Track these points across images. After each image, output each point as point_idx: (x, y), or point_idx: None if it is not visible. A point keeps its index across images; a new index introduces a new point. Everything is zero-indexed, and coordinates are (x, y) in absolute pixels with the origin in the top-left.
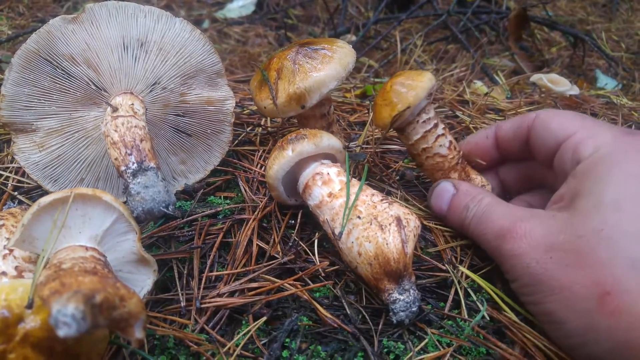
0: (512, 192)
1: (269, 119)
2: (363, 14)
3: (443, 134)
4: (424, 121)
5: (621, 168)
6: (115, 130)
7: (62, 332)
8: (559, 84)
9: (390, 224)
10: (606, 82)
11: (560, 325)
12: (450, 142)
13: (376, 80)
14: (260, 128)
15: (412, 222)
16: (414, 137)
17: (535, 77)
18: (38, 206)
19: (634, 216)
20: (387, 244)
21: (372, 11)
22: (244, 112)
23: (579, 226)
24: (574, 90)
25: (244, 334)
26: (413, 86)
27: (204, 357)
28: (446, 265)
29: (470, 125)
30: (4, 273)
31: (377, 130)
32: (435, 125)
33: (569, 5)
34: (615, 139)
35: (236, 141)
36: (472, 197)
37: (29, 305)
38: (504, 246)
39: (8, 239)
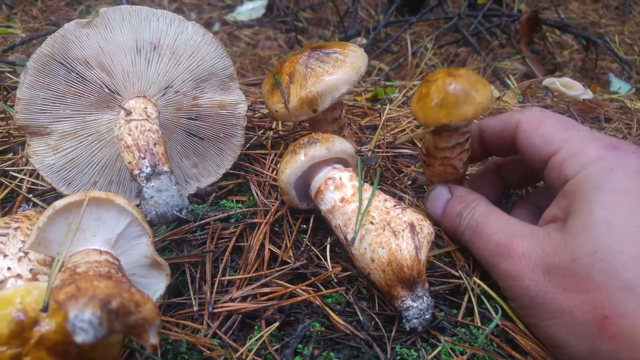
0: (515, 188)
1: (280, 122)
2: (373, 17)
3: (468, 149)
4: (462, 133)
5: (608, 187)
6: (129, 134)
7: (79, 338)
8: (572, 88)
9: (403, 230)
10: (619, 86)
11: (563, 350)
12: (468, 157)
13: (387, 83)
14: (272, 131)
15: (426, 229)
16: (443, 144)
17: (548, 81)
18: (53, 209)
19: (626, 235)
20: (400, 250)
21: (383, 14)
22: (255, 115)
23: (573, 248)
24: (588, 95)
25: (257, 340)
26: (477, 100)
27: None
28: (459, 271)
29: None
30: (19, 276)
31: (390, 134)
32: (467, 140)
33: (580, 8)
34: (600, 156)
35: (248, 145)
36: (466, 204)
37: (44, 309)
38: (501, 266)
39: (23, 241)
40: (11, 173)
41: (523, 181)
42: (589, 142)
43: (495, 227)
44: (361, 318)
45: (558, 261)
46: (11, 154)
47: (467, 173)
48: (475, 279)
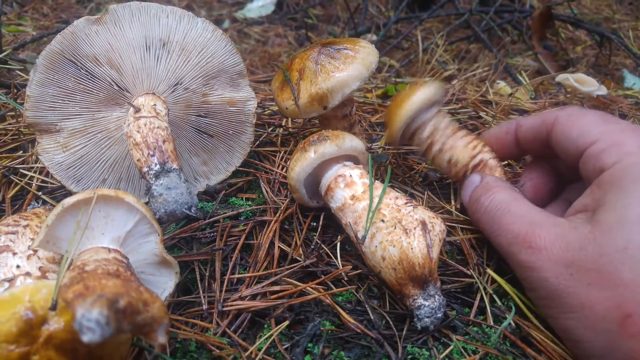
0: (567, 178)
1: (290, 119)
2: (383, 13)
3: (440, 151)
4: (418, 142)
5: None
6: (138, 131)
7: (86, 338)
8: (586, 84)
9: (415, 228)
10: (634, 82)
11: (579, 344)
12: (449, 160)
13: (397, 80)
14: (282, 129)
15: (438, 226)
16: (418, 151)
17: (562, 77)
18: (62, 207)
19: None
20: (411, 248)
21: (393, 10)
22: (265, 112)
23: (602, 243)
24: (602, 91)
25: (266, 338)
26: (394, 116)
27: None
28: (471, 270)
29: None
30: (28, 274)
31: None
32: (430, 145)
33: (594, 3)
34: None
35: (257, 142)
36: (487, 189)
37: (53, 307)
38: (520, 256)
39: (32, 239)
40: (21, 171)
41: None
42: (630, 133)
43: (516, 216)
44: (372, 317)
45: (584, 255)
46: (21, 151)
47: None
48: (490, 271)
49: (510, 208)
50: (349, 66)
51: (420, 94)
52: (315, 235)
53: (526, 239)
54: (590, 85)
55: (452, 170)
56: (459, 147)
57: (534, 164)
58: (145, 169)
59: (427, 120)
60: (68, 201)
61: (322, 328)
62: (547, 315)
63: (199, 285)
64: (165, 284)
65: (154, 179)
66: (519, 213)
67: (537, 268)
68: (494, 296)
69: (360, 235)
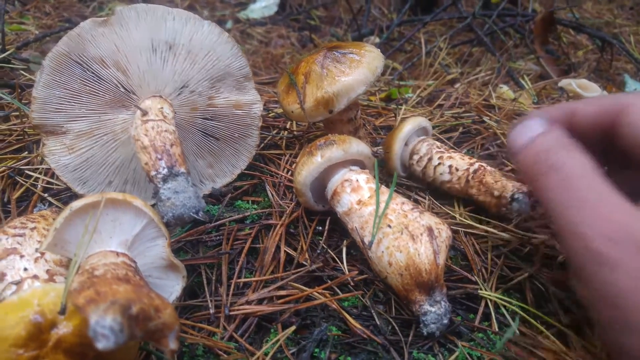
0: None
1: (295, 122)
2: (386, 16)
3: (439, 163)
4: (417, 161)
5: None
6: (146, 135)
7: (101, 345)
8: (589, 89)
9: (421, 234)
10: (635, 87)
11: None
12: (450, 166)
13: (400, 83)
14: (286, 131)
15: (444, 233)
16: (418, 175)
17: (564, 82)
18: (70, 210)
19: None
20: (418, 254)
21: (396, 13)
22: (270, 115)
23: None
24: None
25: (273, 343)
26: (391, 140)
27: None
28: (475, 277)
29: (498, 131)
30: (35, 276)
31: None
32: (430, 160)
33: (595, 8)
34: None
35: (262, 145)
36: (563, 146)
37: (62, 311)
38: (602, 272)
39: (39, 241)
40: (26, 172)
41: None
42: None
43: (614, 201)
44: (378, 322)
45: None
46: (26, 152)
47: None
48: (490, 292)
49: (600, 189)
50: (354, 70)
51: (412, 120)
52: (321, 240)
53: (631, 230)
54: (592, 90)
55: (453, 177)
56: (456, 157)
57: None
58: (153, 173)
59: (421, 140)
60: (76, 204)
61: (328, 333)
62: (613, 343)
63: (206, 289)
64: (172, 287)
65: (161, 182)
66: (616, 196)
67: (627, 291)
68: (499, 302)
69: (366, 240)
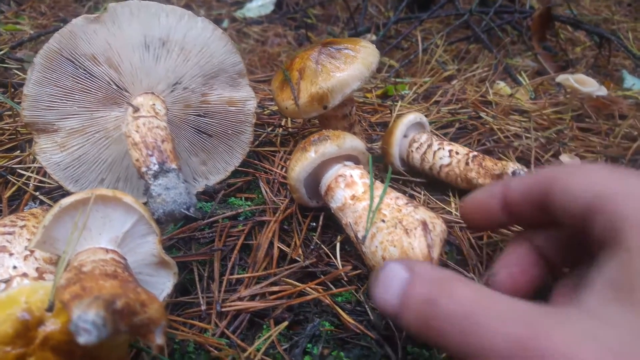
0: (560, 266)
1: (289, 119)
2: (383, 14)
3: (440, 148)
4: (417, 148)
5: None
6: (137, 131)
7: (82, 339)
8: (586, 84)
9: (415, 228)
10: (633, 83)
11: None
12: (450, 150)
13: (397, 80)
14: (281, 128)
15: (439, 227)
16: (416, 163)
17: (562, 78)
18: (59, 207)
19: None
20: (412, 248)
21: (392, 11)
22: (265, 112)
23: None
24: (602, 91)
25: (265, 339)
26: (390, 133)
27: None
28: (471, 272)
29: (495, 127)
30: (25, 274)
31: None
32: (429, 145)
33: (593, 4)
34: None
35: (257, 142)
36: (440, 286)
37: (50, 308)
38: None
39: (29, 239)
40: (18, 171)
41: (570, 253)
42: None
43: (506, 316)
44: (372, 317)
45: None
46: (18, 151)
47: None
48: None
49: (489, 305)
50: (349, 66)
51: (409, 115)
52: (314, 236)
53: (537, 347)
54: (590, 85)
55: (453, 160)
56: (456, 145)
57: (512, 247)
58: (143, 169)
59: (420, 132)
60: (65, 201)
61: (321, 328)
62: None
63: (198, 285)
64: (163, 284)
65: (152, 179)
66: (505, 309)
67: None
68: None
69: (360, 235)
